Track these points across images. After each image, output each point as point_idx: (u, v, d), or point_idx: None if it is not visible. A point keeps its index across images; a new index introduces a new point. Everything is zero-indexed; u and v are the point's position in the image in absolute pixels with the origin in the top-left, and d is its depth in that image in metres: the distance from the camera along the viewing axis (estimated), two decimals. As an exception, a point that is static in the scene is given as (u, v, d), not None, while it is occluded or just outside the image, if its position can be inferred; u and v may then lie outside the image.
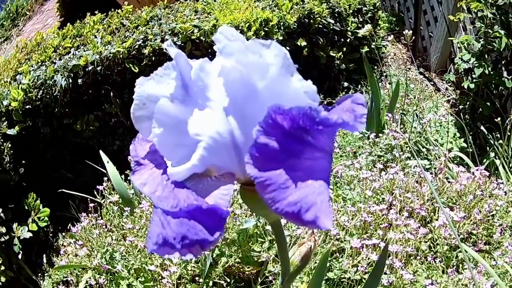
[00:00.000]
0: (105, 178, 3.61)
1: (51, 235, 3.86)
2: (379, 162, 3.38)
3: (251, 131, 0.69)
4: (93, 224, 3.28)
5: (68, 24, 4.59)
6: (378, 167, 3.21)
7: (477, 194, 2.83)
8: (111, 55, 3.83)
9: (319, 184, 0.67)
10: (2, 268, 2.99)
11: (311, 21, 4.39)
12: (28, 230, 3.44)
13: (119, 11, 4.63)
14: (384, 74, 5.03)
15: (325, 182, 0.68)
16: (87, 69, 3.83)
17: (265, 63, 0.72)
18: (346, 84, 4.72)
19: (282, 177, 0.66)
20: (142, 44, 3.92)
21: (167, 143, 0.73)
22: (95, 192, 3.61)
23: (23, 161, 3.88)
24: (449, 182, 2.96)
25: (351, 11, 4.76)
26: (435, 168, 3.23)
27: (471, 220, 2.71)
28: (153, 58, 3.91)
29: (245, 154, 0.67)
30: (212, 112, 0.72)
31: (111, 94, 3.97)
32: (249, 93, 0.72)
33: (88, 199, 3.60)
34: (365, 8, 4.97)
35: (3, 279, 2.95)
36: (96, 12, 4.71)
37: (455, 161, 3.42)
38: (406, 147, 3.50)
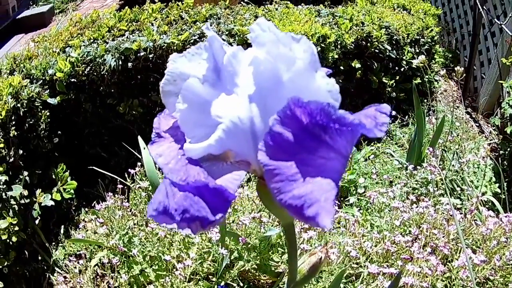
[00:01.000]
0: (139, 164, 3.67)
1: (73, 208, 3.91)
2: (412, 194, 3.39)
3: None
4: (118, 205, 3.34)
5: (127, 7, 4.65)
6: (410, 199, 3.22)
7: (501, 241, 2.81)
8: (165, 45, 3.86)
9: (327, 182, 0.69)
10: (16, 228, 3.00)
11: (368, 44, 4.39)
12: (51, 199, 3.46)
13: (180, 3, 4.67)
14: (432, 108, 5.01)
15: (334, 182, 0.69)
16: (138, 54, 3.85)
17: (293, 56, 0.74)
18: (394, 112, 4.69)
19: (292, 169, 0.67)
20: (197, 39, 3.93)
21: (189, 120, 0.76)
22: (126, 175, 3.67)
23: (59, 132, 3.93)
24: (476, 224, 2.95)
25: (408, 40, 4.75)
26: (465, 209, 3.22)
27: (490, 266, 2.69)
28: None
29: (261, 143, 0.69)
30: (236, 97, 0.74)
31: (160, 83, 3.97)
32: (274, 84, 0.74)
33: (118, 180, 3.66)
34: (423, 40, 4.95)
35: (14, 239, 2.97)
36: (156, 0, 4.76)
37: (487, 205, 3.39)
38: (441, 184, 3.48)
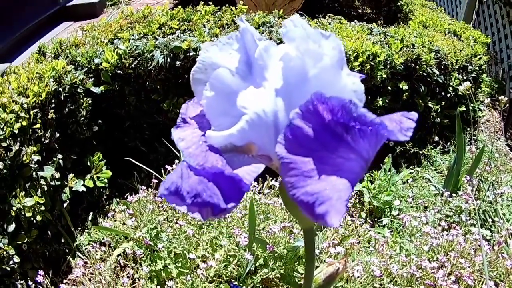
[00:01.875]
0: (177, 161, 3.70)
1: (105, 197, 3.94)
2: (445, 221, 3.38)
3: (294, 116, 0.71)
4: (150, 199, 3.37)
5: (180, 6, 4.69)
6: (442, 225, 3.22)
7: None
8: None
9: (342, 182, 0.69)
10: (42, 208, 3.05)
11: (417, 66, 4.36)
12: (83, 185, 3.52)
13: (233, 8, 4.69)
14: (474, 137, 4.98)
15: (349, 182, 0.69)
16: (188, 54, 3.87)
17: (321, 53, 0.74)
18: (436, 138, 4.66)
19: (309, 165, 0.68)
20: None
21: (215, 108, 0.77)
22: (163, 171, 3.69)
23: (100, 121, 3.98)
24: (503, 257, 2.92)
25: (457, 66, 4.70)
26: (494, 241, 3.21)
27: None
28: None
29: (282, 137, 0.70)
30: (263, 90, 0.75)
31: None
32: (301, 79, 0.74)
33: (153, 175, 3.68)
34: (471, 67, 4.89)
35: (38, 218, 3.02)
36: (210, 3, 4.79)
37: None
38: (474, 214, 3.47)
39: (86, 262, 3.30)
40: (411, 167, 4.48)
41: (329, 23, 4.65)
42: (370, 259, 2.80)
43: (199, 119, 0.82)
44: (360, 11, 7.57)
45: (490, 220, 3.49)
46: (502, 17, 7.02)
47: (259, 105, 0.74)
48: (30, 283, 2.96)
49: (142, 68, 3.93)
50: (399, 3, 6.95)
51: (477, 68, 4.93)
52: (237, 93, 0.76)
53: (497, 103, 5.88)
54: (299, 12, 5.11)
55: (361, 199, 4.00)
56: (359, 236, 3.21)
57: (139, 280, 3.02)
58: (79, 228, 3.66)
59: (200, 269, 2.72)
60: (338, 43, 0.77)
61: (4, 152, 2.86)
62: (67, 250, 3.48)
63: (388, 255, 2.91)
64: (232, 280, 2.82)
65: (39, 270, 2.92)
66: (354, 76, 0.81)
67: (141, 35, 4.17)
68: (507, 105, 5.07)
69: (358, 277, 2.64)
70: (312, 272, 1.11)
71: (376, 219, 3.82)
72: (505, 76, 6.89)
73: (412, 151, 4.39)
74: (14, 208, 2.91)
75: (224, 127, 0.76)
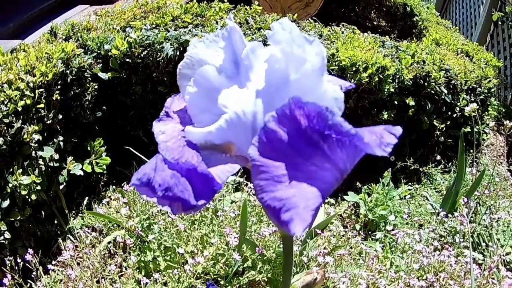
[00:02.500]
0: None
1: (102, 184, 3.95)
2: (438, 241, 3.39)
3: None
4: None
5: (194, 1, 4.70)
6: (435, 245, 3.22)
7: None
8: None
9: (312, 191, 0.68)
10: (38, 188, 3.07)
11: (426, 83, 4.34)
12: (81, 169, 3.53)
13: (248, 8, 4.70)
14: (476, 160, 4.96)
15: (320, 192, 0.69)
16: None
17: (304, 58, 0.74)
18: (438, 157, 4.65)
19: (280, 170, 0.67)
20: None
21: (197, 104, 0.78)
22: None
23: (104, 107, 4.00)
24: (493, 282, 2.92)
25: (465, 87, 4.68)
26: (485, 265, 3.19)
27: None
28: None
29: (259, 139, 0.70)
30: (246, 91, 0.75)
31: None
32: (283, 82, 0.74)
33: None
34: (480, 89, 4.88)
35: (33, 197, 3.04)
36: (225, 0, 4.80)
37: (508, 266, 3.35)
38: (469, 236, 3.46)
39: (76, 246, 3.32)
40: (410, 183, 4.48)
41: (342, 32, 4.64)
42: (359, 271, 2.80)
43: (182, 114, 0.83)
44: (375, 23, 7.57)
45: (483, 244, 3.49)
46: (516, 42, 7.01)
47: (240, 105, 0.74)
48: (18, 260, 2.95)
49: (151, 58, 3.94)
50: (414, 19, 6.94)
51: (485, 90, 4.93)
52: (220, 91, 0.76)
53: (503, 128, 5.88)
54: (313, 18, 5.10)
55: (357, 211, 4.01)
56: (351, 248, 3.21)
57: (126, 269, 3.03)
58: (73, 212, 3.66)
59: (188, 265, 2.73)
60: (321, 49, 0.76)
61: (5, 128, 2.88)
62: (59, 232, 3.49)
63: (377, 270, 2.91)
64: (219, 279, 2.84)
65: (29, 249, 2.93)
66: (336, 83, 0.81)
67: (153, 26, 4.17)
68: (512, 131, 5.07)
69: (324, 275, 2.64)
70: (289, 279, 1.11)
71: (370, 233, 3.82)
72: (513, 102, 6.89)
73: (412, 168, 4.38)
74: (10, 185, 2.92)
75: (204, 124, 0.76)
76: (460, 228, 3.43)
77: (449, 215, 3.63)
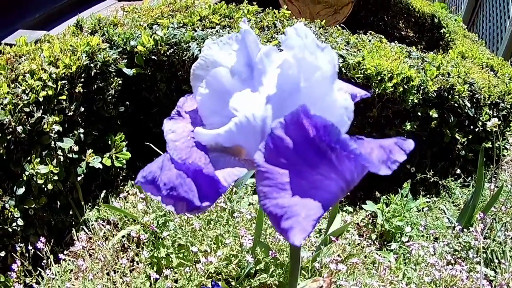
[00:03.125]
0: None
1: (121, 178, 3.99)
2: (451, 255, 3.39)
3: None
4: None
5: (223, 2, 4.71)
6: (448, 259, 3.22)
7: None
8: None
9: (314, 202, 0.68)
10: (56, 178, 3.11)
11: (450, 96, 4.32)
12: (100, 162, 3.57)
13: (276, 11, 4.70)
14: (496, 176, 4.91)
15: (323, 202, 0.68)
16: None
17: (316, 65, 0.74)
18: (458, 171, 4.62)
19: (284, 178, 0.67)
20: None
21: (208, 106, 0.78)
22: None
23: (127, 102, 4.03)
24: None
25: (489, 101, 4.64)
26: (496, 282, 3.18)
27: None
28: None
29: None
30: (258, 95, 0.75)
31: None
32: (295, 89, 0.74)
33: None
34: (503, 104, 4.83)
35: (50, 187, 3.08)
36: (254, 3, 4.81)
37: None
38: (483, 252, 3.46)
39: (90, 238, 3.37)
40: (429, 195, 4.45)
41: (369, 40, 4.63)
42: (371, 281, 2.80)
43: (193, 114, 0.83)
44: (403, 33, 7.57)
45: (496, 260, 3.48)
46: (542, 60, 6.97)
47: (250, 109, 0.74)
48: (29, 247, 3.00)
49: (176, 57, 3.96)
50: (441, 31, 6.90)
51: (508, 106, 4.89)
52: (231, 94, 0.76)
53: None
54: (342, 25, 5.10)
55: (374, 220, 4.01)
56: (365, 257, 3.22)
57: (138, 264, 3.06)
58: (89, 204, 3.71)
59: (201, 263, 2.75)
60: (333, 56, 0.76)
61: (25, 117, 2.94)
62: (73, 223, 3.54)
63: (389, 280, 2.91)
64: (230, 280, 2.86)
65: (41, 237, 2.99)
66: (350, 91, 0.81)
67: (181, 25, 4.19)
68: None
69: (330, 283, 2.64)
70: (295, 284, 1.11)
71: (385, 243, 3.81)
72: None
73: (432, 180, 4.36)
74: (27, 173, 2.98)
75: (215, 126, 0.76)
76: (474, 244, 3.42)
77: (465, 230, 3.62)
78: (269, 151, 0.68)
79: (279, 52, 0.78)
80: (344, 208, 4.10)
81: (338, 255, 3.10)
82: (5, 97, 2.87)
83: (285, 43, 0.78)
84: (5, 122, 2.82)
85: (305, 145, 0.69)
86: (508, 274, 3.12)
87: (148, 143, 3.76)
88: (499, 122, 4.15)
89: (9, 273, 2.87)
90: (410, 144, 0.76)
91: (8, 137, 2.85)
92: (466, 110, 4.44)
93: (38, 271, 2.97)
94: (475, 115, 4.55)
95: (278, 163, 0.68)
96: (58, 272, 2.97)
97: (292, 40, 0.77)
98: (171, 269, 2.84)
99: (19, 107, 2.91)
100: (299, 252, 1.03)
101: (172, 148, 0.77)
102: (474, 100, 4.52)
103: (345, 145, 0.69)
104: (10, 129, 2.85)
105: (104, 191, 3.82)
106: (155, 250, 3.01)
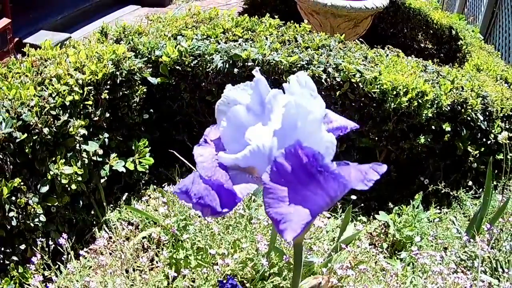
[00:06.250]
0: None
1: (143, 182, 4.15)
2: (458, 264, 3.53)
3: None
4: None
5: (246, 15, 4.89)
6: (453, 267, 3.34)
7: None
8: (274, 62, 4.06)
9: (305, 211, 0.94)
10: (79, 178, 3.34)
11: (463, 110, 4.44)
12: (124, 166, 3.76)
13: (297, 25, 4.85)
14: (507, 187, 4.96)
15: (311, 212, 0.94)
16: (246, 63, 4.05)
17: (309, 110, 0.99)
18: (470, 183, 4.73)
19: (283, 193, 0.93)
20: (305, 65, 4.11)
21: (228, 135, 1.03)
22: (204, 170, 3.91)
23: (151, 110, 4.21)
24: None
25: (501, 114, 4.76)
26: None
27: None
28: None
29: (272, 167, 0.95)
30: (267, 129, 1.00)
31: None
32: (293, 126, 0.99)
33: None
34: None
35: (73, 187, 3.31)
36: (276, 16, 4.97)
37: None
38: (488, 261, 3.59)
39: (110, 237, 3.54)
40: (441, 206, 4.57)
41: (387, 55, 4.77)
42: (378, 287, 2.96)
43: (217, 142, 1.09)
44: (422, 45, 7.61)
45: (501, 270, 3.57)
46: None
47: (261, 140, 0.99)
48: (50, 242, 3.19)
49: (200, 68, 4.14)
50: (459, 43, 7.00)
51: None
52: (246, 127, 1.01)
53: None
54: (360, 39, 5.26)
55: (387, 230, 4.15)
56: (375, 263, 3.36)
57: (157, 263, 3.23)
58: (111, 205, 3.89)
59: (218, 265, 2.92)
60: (322, 104, 1.03)
61: (52, 119, 3.13)
62: (94, 222, 3.73)
63: (395, 287, 3.05)
64: (245, 281, 3.01)
65: (63, 234, 3.15)
66: (342, 123, 1.05)
67: (204, 37, 4.37)
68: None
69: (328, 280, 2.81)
70: (298, 281, 1.34)
71: (396, 252, 3.95)
72: (548, 132, 6.91)
73: (443, 191, 4.49)
74: (51, 173, 3.17)
75: (234, 151, 1.01)
76: (480, 254, 3.50)
77: (471, 240, 3.73)
78: (273, 173, 0.94)
79: (283, 94, 1.02)
80: (358, 218, 4.24)
81: (349, 262, 3.25)
82: (32, 99, 3.06)
83: (288, 90, 1.04)
84: (31, 123, 3.00)
85: (299, 169, 0.94)
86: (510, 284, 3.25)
87: (171, 150, 3.97)
88: (510, 135, 4.29)
89: (28, 265, 3.04)
90: (383, 168, 1.00)
91: (34, 138, 3.03)
92: (478, 123, 4.55)
93: (57, 265, 3.16)
94: (488, 128, 4.66)
95: (279, 182, 0.94)
96: (76, 268, 3.13)
97: (294, 88, 1.02)
98: (190, 270, 3.01)
99: (46, 109, 3.11)
100: (301, 252, 1.26)
101: (200, 168, 1.02)
102: (487, 113, 4.64)
103: (327, 168, 0.94)
104: (37, 130, 3.04)
105: (126, 193, 4.00)
106: (175, 251, 3.17)
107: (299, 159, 0.94)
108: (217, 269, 2.90)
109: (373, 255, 3.42)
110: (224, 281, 1.56)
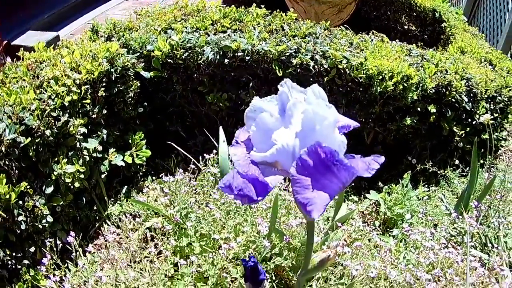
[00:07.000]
0: (214, 151, 4.10)
1: (141, 174, 4.35)
2: (448, 240, 3.68)
3: (305, 151, 1.23)
4: (185, 182, 3.79)
5: (233, 6, 5.06)
6: (442, 242, 3.47)
7: None
8: (263, 51, 4.23)
9: (325, 195, 1.22)
10: (82, 176, 3.47)
11: (447, 92, 4.59)
12: (122, 160, 3.96)
13: (283, 14, 5.02)
14: (493, 166, 5.17)
15: (329, 195, 1.22)
16: (236, 54, 4.23)
17: (325, 116, 1.25)
18: (457, 161, 4.91)
19: (308, 182, 1.20)
20: (293, 53, 4.28)
21: (257, 137, 1.29)
22: (201, 159, 4.13)
23: (145, 103, 4.40)
24: (496, 280, 3.16)
25: (485, 96, 4.88)
26: (490, 265, 3.39)
27: None
28: (299, 70, 4.27)
29: (296, 162, 1.23)
30: (289, 131, 1.25)
31: (251, 84, 4.37)
32: (312, 129, 1.25)
33: (192, 161, 4.13)
34: (499, 98, 5.06)
35: (76, 185, 3.44)
36: (262, 6, 5.14)
37: None
38: (478, 237, 3.74)
39: (114, 231, 3.63)
40: (429, 185, 4.77)
41: (371, 40, 4.95)
42: (373, 262, 3.12)
43: (246, 142, 1.34)
44: (405, 27, 7.74)
45: (490, 245, 3.73)
46: (541, 51, 7.09)
47: (285, 140, 1.26)
48: (58, 242, 3.32)
49: (192, 60, 4.32)
50: (442, 25, 7.16)
51: (506, 99, 5.13)
52: (272, 130, 1.27)
53: None
54: (345, 25, 5.44)
55: (378, 208, 4.37)
56: (369, 241, 3.53)
57: (162, 252, 3.40)
58: (112, 199, 4.06)
59: (222, 249, 3.08)
60: (334, 111, 1.29)
61: (53, 121, 3.24)
62: (97, 218, 3.89)
63: (390, 262, 3.22)
64: None
65: (70, 232, 3.24)
66: (346, 122, 1.30)
67: (194, 29, 4.56)
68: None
69: (355, 276, 3.01)
70: (310, 254, 1.59)
71: (388, 229, 4.16)
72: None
73: (431, 170, 4.66)
74: (55, 173, 3.28)
75: (262, 150, 1.28)
76: (469, 229, 3.64)
77: (459, 217, 3.89)
78: (298, 167, 1.21)
79: (302, 102, 1.27)
80: (350, 198, 4.46)
81: (344, 240, 3.45)
82: (32, 103, 3.14)
83: (307, 100, 1.29)
84: (34, 127, 3.09)
85: (319, 163, 1.21)
86: (499, 257, 3.40)
87: (169, 142, 4.17)
88: (491, 118, 4.45)
89: (38, 267, 3.13)
90: (381, 159, 1.28)
91: (37, 140, 3.12)
92: (463, 105, 4.72)
93: (66, 264, 3.28)
94: (472, 109, 4.82)
95: (303, 174, 1.21)
96: (86, 264, 3.25)
97: (311, 99, 1.28)
98: (196, 256, 3.17)
99: (47, 112, 3.20)
100: (313, 229, 1.52)
101: (237, 165, 1.28)
102: (471, 94, 4.79)
103: (341, 161, 1.21)
104: (39, 133, 3.13)
105: (126, 186, 4.18)
106: (179, 240, 3.36)
107: (319, 155, 1.20)
108: (222, 252, 3.07)
109: (366, 233, 3.60)
110: (247, 260, 1.80)
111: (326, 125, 1.26)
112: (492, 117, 4.74)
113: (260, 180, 1.26)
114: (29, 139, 3.05)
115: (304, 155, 1.21)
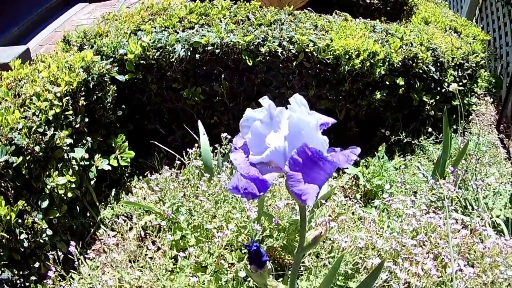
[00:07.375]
0: (196, 145, 4.30)
1: (126, 175, 4.52)
2: (428, 206, 3.84)
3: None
4: (173, 178, 3.96)
5: (197, 0, 5.25)
6: (423, 209, 3.63)
7: (496, 260, 3.12)
8: (231, 43, 4.43)
9: (315, 186, 1.49)
10: (73, 186, 3.55)
11: (414, 64, 4.79)
12: (108, 164, 4.10)
13: (247, 4, 5.22)
14: (466, 130, 5.40)
15: (318, 186, 1.49)
16: (206, 48, 4.48)
17: (308, 121, 1.51)
18: (430, 129, 5.11)
19: (299, 176, 1.47)
20: (261, 42, 4.48)
21: (252, 143, 1.55)
22: (184, 153, 4.32)
23: (123, 106, 4.56)
24: (480, 240, 3.32)
25: (453, 63, 5.07)
26: (472, 227, 3.51)
27: (482, 280, 3.03)
28: (268, 57, 4.48)
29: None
30: (278, 135, 1.52)
31: (223, 76, 4.58)
32: (298, 132, 1.50)
33: (176, 157, 4.35)
34: (467, 64, 5.24)
35: (69, 195, 3.52)
36: (226, -3, 5.30)
37: (498, 228, 3.74)
38: (457, 201, 3.94)
39: (109, 234, 3.86)
40: (404, 155, 5.01)
41: (335, 21, 5.15)
42: (359, 234, 3.29)
43: (243, 147, 1.60)
44: (368, 1, 7.85)
45: (470, 207, 3.93)
46: (503, 15, 7.36)
47: (276, 143, 1.52)
48: (59, 253, 3.44)
49: (164, 59, 4.51)
50: None
51: (473, 65, 5.36)
52: (265, 136, 1.53)
53: (494, 98, 6.35)
54: (308, 8, 5.62)
55: (357, 182, 4.60)
56: (352, 214, 3.72)
57: (159, 248, 3.58)
58: (103, 203, 4.20)
59: (216, 238, 3.20)
60: (317, 117, 1.56)
61: (40, 136, 3.30)
62: (91, 224, 4.01)
63: (375, 231, 3.40)
64: (242, 248, 3.35)
65: (71, 241, 3.24)
66: (325, 120, 1.58)
67: (163, 28, 4.74)
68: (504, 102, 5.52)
69: (345, 248, 3.19)
70: (304, 234, 1.85)
71: (369, 201, 4.39)
72: (503, 72, 7.32)
73: (405, 141, 4.91)
74: (49, 186, 3.35)
75: (257, 153, 1.54)
76: (448, 194, 3.85)
77: (437, 183, 4.08)
78: (290, 165, 1.47)
79: (286, 110, 1.52)
80: (329, 174, 4.67)
81: (329, 215, 3.67)
82: (19, 122, 3.19)
83: (291, 109, 1.54)
84: (23, 146, 3.14)
85: (307, 160, 1.47)
86: (480, 218, 3.61)
87: (153, 142, 4.34)
88: (460, 87, 4.68)
89: (44, 281, 3.16)
90: (358, 150, 1.54)
91: (27, 158, 3.18)
92: (431, 74, 4.97)
93: (69, 274, 3.33)
94: (441, 78, 5.07)
95: (295, 170, 1.47)
96: (89, 271, 3.32)
97: (295, 107, 1.54)
98: (192, 247, 3.31)
99: (33, 129, 3.27)
100: (305, 212, 1.78)
101: (239, 168, 1.53)
102: (438, 64, 5.04)
103: (325, 158, 1.48)
104: (29, 151, 3.20)
105: (114, 189, 4.35)
106: (173, 234, 3.51)
107: (307, 154, 1.46)
108: (217, 241, 3.20)
109: (349, 206, 3.80)
110: (249, 244, 2.04)
111: (310, 128, 1.52)
112: (461, 83, 4.96)
113: (260, 179, 1.50)
114: (21, 158, 3.12)
115: (295, 155, 1.46)
